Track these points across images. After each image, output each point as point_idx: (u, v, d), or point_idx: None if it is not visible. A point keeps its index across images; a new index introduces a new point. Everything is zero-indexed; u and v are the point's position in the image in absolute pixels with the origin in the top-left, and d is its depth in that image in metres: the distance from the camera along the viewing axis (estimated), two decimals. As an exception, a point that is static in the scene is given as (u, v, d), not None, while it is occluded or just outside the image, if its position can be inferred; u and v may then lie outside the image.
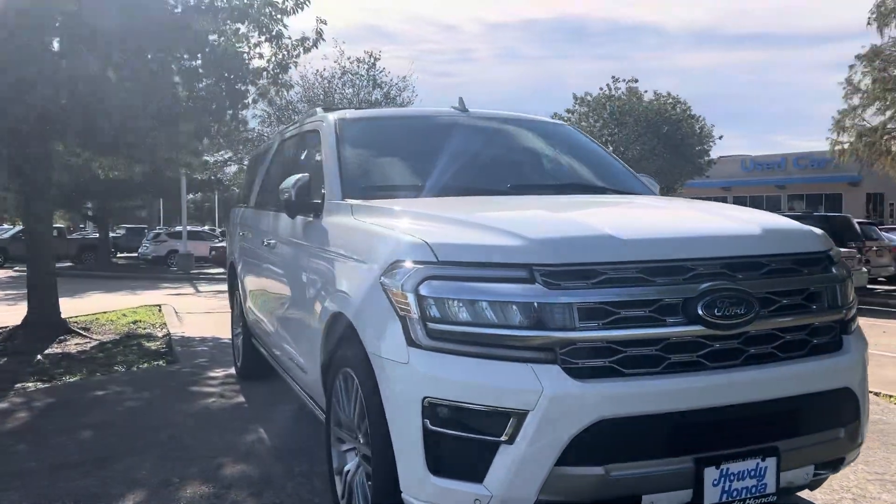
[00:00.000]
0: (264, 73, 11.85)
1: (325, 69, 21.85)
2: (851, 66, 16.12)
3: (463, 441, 2.37)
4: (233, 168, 24.45)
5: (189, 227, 29.19)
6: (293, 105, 21.73)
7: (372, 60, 22.16)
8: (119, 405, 5.20)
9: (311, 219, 3.68)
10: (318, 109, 4.72)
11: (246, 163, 22.94)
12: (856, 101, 15.69)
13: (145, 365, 7.82)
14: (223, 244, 28.81)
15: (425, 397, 2.39)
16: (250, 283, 5.19)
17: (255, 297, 5.01)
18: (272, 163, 5.35)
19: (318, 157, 4.07)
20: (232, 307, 6.36)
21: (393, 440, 2.52)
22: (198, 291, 18.65)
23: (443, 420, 2.39)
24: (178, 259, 27.38)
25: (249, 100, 12.25)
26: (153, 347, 9.16)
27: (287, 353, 4.04)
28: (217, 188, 27.33)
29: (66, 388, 5.95)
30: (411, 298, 2.45)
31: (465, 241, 2.52)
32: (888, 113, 14.95)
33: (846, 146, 16.51)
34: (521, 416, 2.28)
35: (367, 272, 2.75)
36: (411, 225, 2.80)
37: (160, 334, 10.28)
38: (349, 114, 4.14)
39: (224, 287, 19.21)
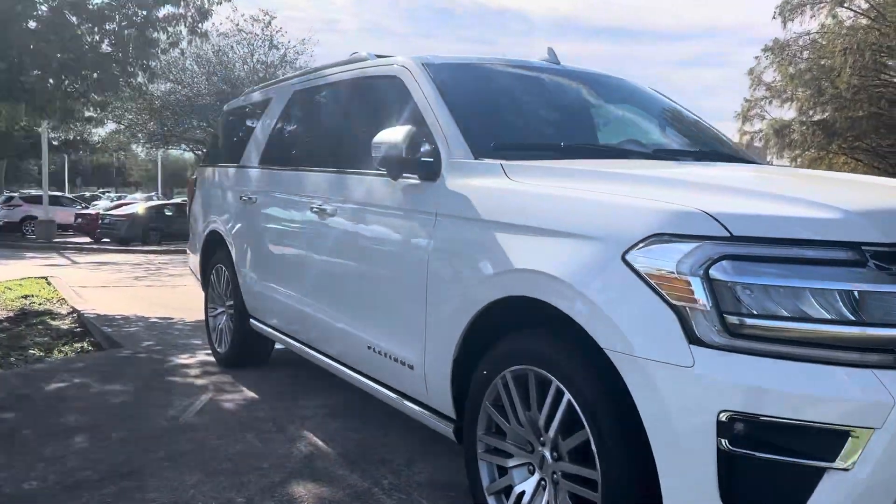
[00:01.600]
0: (181, 19, 10.70)
1: (220, 23, 20.23)
2: (756, 58, 16.81)
3: (775, 466, 1.87)
4: (107, 127, 22.29)
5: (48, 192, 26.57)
6: (180, 62, 19.99)
7: (268, 19, 20.79)
8: (95, 402, 4.29)
9: (416, 181, 3.03)
10: (367, 53, 4.02)
11: (125, 122, 21.05)
12: (759, 93, 16.34)
13: (67, 348, 6.76)
14: (89, 211, 26.50)
15: (723, 410, 1.87)
16: (266, 256, 4.39)
17: (278, 273, 4.24)
18: (285, 117, 4.56)
19: (396, 109, 3.42)
20: (206, 284, 5.48)
21: (659, 463, 1.98)
22: (74, 263, 16.86)
23: (746, 440, 1.88)
24: (38, 226, 24.90)
25: (158, 50, 11.08)
26: (64, 327, 8.01)
27: (360, 343, 3.36)
28: (83, 149, 24.94)
29: (3, 380, 4.91)
30: (698, 284, 1.92)
31: (762, 211, 2.01)
32: (800, 106, 15.66)
33: (755, 135, 17.23)
34: (862, 435, 1.81)
35: (590, 248, 2.18)
36: (649, 190, 2.25)
37: (63, 311, 9.06)
38: (433, 59, 3.48)
39: (104, 259, 17.74)
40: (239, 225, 4.74)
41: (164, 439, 3.63)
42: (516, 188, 2.58)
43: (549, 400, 2.31)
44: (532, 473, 2.46)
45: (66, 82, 9.91)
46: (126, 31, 10.26)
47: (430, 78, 3.28)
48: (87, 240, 24.56)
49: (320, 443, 3.62)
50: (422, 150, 2.99)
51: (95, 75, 10.10)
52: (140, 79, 10.89)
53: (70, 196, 35.09)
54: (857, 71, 14.38)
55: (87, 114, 11.19)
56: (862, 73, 14.55)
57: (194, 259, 5.76)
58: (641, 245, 2.05)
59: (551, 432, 2.32)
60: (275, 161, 4.48)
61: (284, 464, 3.34)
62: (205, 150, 6.07)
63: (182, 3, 10.43)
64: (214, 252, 5.29)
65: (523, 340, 2.44)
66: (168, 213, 24.43)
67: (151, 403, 4.25)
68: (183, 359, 5.51)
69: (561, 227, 2.31)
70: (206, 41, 11.19)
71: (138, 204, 26.34)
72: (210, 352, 5.63)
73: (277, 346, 5.20)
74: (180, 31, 11.97)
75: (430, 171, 2.98)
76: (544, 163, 2.78)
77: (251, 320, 4.75)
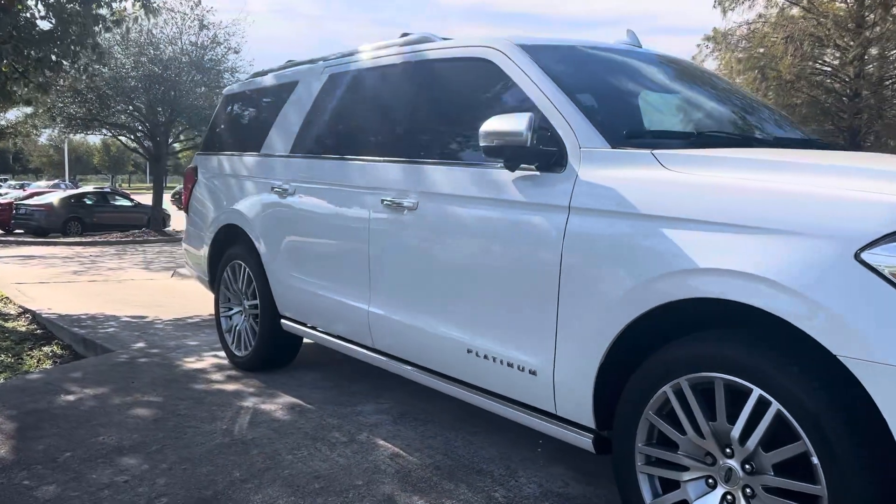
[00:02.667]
0: (130, -6, 10.05)
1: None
2: (698, 46, 17.17)
3: None
4: (19, 110, 20.78)
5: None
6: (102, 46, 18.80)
7: (197, -1, 19.79)
8: (126, 416, 3.88)
9: (533, 172, 2.81)
10: (423, 33, 3.76)
11: (44, 105, 19.69)
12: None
13: (37, 353, 6.24)
14: (0, 200, 24.81)
15: None
16: (310, 253, 4.06)
17: (329, 271, 3.91)
18: (323, 102, 4.22)
19: (490, 94, 3.20)
20: (216, 282, 5.07)
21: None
22: (-5, 257, 15.72)
23: None
24: (-56, 217, 23.17)
25: (101, 27, 10.41)
26: (21, 329, 7.45)
27: (455, 347, 3.11)
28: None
29: (2, 394, 4.41)
30: (960, 285, 1.78)
31: None
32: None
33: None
34: None
35: (809, 245, 2.02)
36: (856, 182, 2.11)
37: (12, 311, 8.41)
38: (526, 40, 3.24)
39: (28, 252, 16.64)
40: (269, 219, 4.38)
41: (230, 457, 3.30)
42: (685, 180, 2.39)
43: (747, 410, 2.14)
44: (713, 487, 2.30)
45: (3, 63, 9.11)
46: (69, 6, 9.56)
47: (533, 61, 3.05)
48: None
49: (403, 453, 3.36)
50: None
51: (34, 54, 9.35)
52: (85, 59, 10.16)
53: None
54: (797, 59, 14.89)
55: (31, 94, 10.38)
56: (801, 62, 15.07)
57: (197, 254, 5.33)
58: (883, 242, 1.90)
59: (749, 444, 2.15)
60: (315, 149, 4.14)
61: (379, 479, 3.07)
62: (203, 137, 5.61)
63: None
64: (228, 247, 4.90)
65: (707, 346, 2.26)
66: (89, 202, 23.18)
67: (190, 416, 3.87)
68: (191, 362, 5.09)
69: (762, 222, 2.13)
70: (155, 15, 10.49)
71: (56, 193, 24.93)
72: (219, 353, 5.26)
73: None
74: (125, 7, 11.28)
75: (552, 161, 2.77)
76: (697, 152, 2.61)
77: (283, 321, 4.41)
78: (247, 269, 4.66)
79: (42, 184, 48.87)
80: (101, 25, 10.17)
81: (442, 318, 3.20)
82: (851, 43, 15.02)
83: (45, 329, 7.44)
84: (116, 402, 4.11)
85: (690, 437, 2.31)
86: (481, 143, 2.83)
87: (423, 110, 3.50)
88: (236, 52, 20.59)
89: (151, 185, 23.55)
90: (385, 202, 3.47)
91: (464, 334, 3.09)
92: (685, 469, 2.36)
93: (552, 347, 2.72)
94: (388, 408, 3.98)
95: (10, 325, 7.62)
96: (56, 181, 51.02)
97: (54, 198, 22.80)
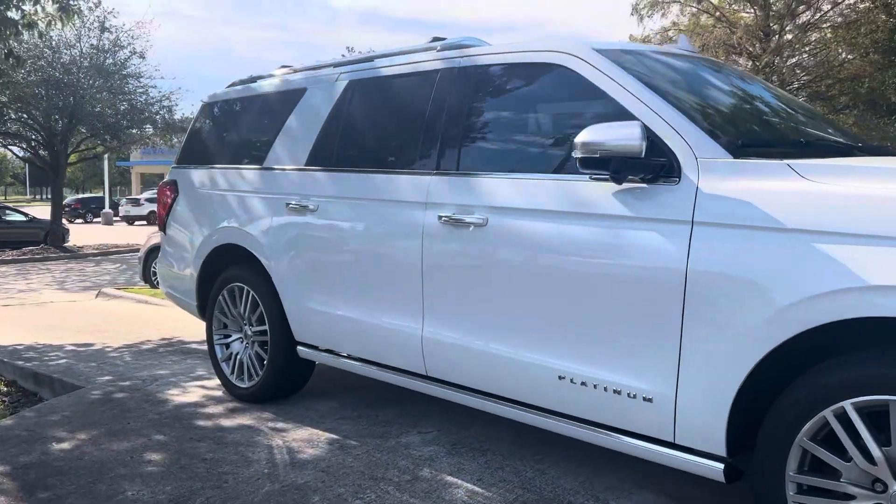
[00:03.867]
0: (46, -4, 9.32)
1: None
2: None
3: None
4: None
5: None
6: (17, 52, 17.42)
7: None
8: (143, 464, 3.44)
9: (639, 185, 2.64)
10: (462, 37, 3.55)
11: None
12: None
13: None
14: None
15: None
16: (346, 275, 3.73)
17: (371, 294, 3.60)
18: (344, 111, 3.91)
19: (568, 101, 3.02)
20: (208, 307, 4.63)
21: None
22: None
23: None
24: None
25: (11, 32, 9.64)
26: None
27: (543, 374, 2.90)
28: None
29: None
30: None
31: None
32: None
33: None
34: None
35: None
36: None
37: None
38: (599, 45, 3.06)
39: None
40: (285, 238, 4.01)
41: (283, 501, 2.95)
42: (839, 191, 2.25)
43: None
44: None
45: None
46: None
47: (620, 67, 2.88)
48: None
49: (478, 489, 3.10)
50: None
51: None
52: (8, 63, 9.34)
53: None
54: (715, 66, 15.46)
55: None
56: (717, 69, 15.65)
57: (180, 276, 4.87)
58: None
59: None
60: (344, 162, 3.81)
61: (470, 523, 2.81)
62: (182, 149, 5.14)
63: None
64: (225, 268, 4.50)
65: (878, 367, 2.14)
66: (-27, 218, 21.47)
67: (218, 459, 3.48)
68: (178, 396, 4.64)
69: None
70: (78, 18, 9.77)
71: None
72: (205, 384, 4.84)
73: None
74: (36, 10, 10.45)
75: (660, 173, 2.60)
76: (832, 161, 2.50)
77: (300, 348, 4.06)
78: (251, 293, 4.27)
79: None
80: (10, 30, 9.41)
81: (525, 343, 2.98)
82: (761, 52, 15.69)
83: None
84: (123, 448, 3.65)
85: (858, 463, 2.18)
86: (578, 154, 2.64)
87: (483, 119, 3.27)
88: (142, 57, 19.53)
89: (31, 198, 22.03)
90: (443, 218, 3.21)
91: (554, 360, 2.88)
92: (851, 497, 2.23)
93: (674, 373, 2.54)
94: (435, 437, 3.71)
95: (-69, 358, 6.81)
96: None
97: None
